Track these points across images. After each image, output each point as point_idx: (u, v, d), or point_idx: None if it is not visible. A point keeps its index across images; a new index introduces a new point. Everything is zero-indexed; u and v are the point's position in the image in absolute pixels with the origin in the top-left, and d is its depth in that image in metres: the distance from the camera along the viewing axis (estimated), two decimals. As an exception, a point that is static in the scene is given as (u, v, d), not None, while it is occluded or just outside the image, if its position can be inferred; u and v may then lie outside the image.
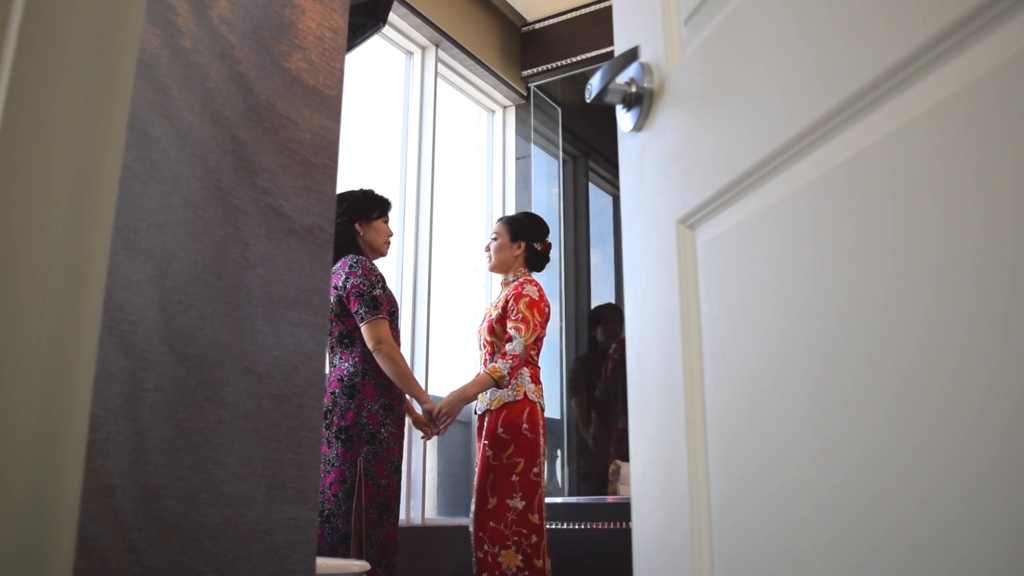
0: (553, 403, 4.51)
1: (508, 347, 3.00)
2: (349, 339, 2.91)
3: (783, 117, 0.68)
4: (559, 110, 4.84)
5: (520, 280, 3.16)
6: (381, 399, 2.85)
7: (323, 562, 2.16)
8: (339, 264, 2.96)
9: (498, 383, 2.97)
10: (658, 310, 0.86)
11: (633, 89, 0.93)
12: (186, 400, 1.04)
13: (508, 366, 2.97)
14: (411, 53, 4.24)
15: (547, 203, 4.76)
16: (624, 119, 0.96)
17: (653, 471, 0.85)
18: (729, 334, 0.75)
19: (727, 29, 0.79)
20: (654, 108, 0.91)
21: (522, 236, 3.25)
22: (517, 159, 4.76)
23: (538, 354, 3.22)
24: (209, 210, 1.11)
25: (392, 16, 3.94)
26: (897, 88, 0.57)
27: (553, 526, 4.06)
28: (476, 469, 3.08)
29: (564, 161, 4.84)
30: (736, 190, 0.75)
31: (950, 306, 0.50)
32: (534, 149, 4.76)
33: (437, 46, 4.24)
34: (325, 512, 2.75)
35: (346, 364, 2.88)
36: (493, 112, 4.87)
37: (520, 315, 3.04)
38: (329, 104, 1.33)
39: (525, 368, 3.11)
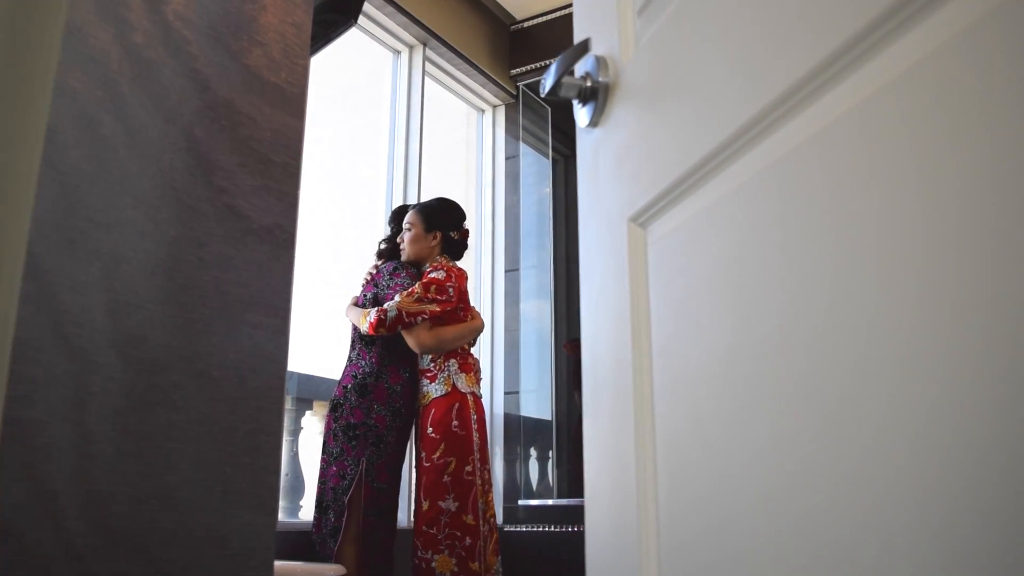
0: (544, 403, 4.48)
1: (386, 303, 2.89)
2: (370, 338, 2.94)
3: (725, 112, 0.66)
4: (549, 109, 4.82)
5: (434, 266, 3.04)
6: (391, 404, 2.87)
7: (294, 566, 2.14)
8: (384, 266, 3.07)
9: (360, 325, 2.88)
10: (610, 311, 0.84)
11: (588, 84, 0.90)
12: (135, 404, 1.02)
13: (373, 316, 2.84)
14: (398, 52, 4.22)
15: (538, 202, 4.74)
16: (580, 114, 0.94)
17: (604, 478, 0.82)
18: (675, 336, 0.72)
19: (677, 20, 0.76)
20: (609, 103, 0.89)
21: (437, 226, 3.10)
22: (507, 159, 4.73)
23: (470, 345, 3.09)
24: (161, 210, 1.08)
25: (378, 14, 3.91)
26: (833, 80, 0.55)
27: (541, 529, 4.04)
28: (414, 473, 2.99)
29: (555, 160, 4.82)
30: (683, 187, 0.73)
31: (886, 307, 0.48)
32: (524, 148, 4.74)
33: (425, 45, 4.22)
34: (324, 503, 2.76)
35: (363, 362, 2.91)
36: (483, 111, 4.85)
37: (410, 288, 2.92)
38: (292, 101, 1.30)
39: (453, 359, 2.98)
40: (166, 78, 1.12)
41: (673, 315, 0.73)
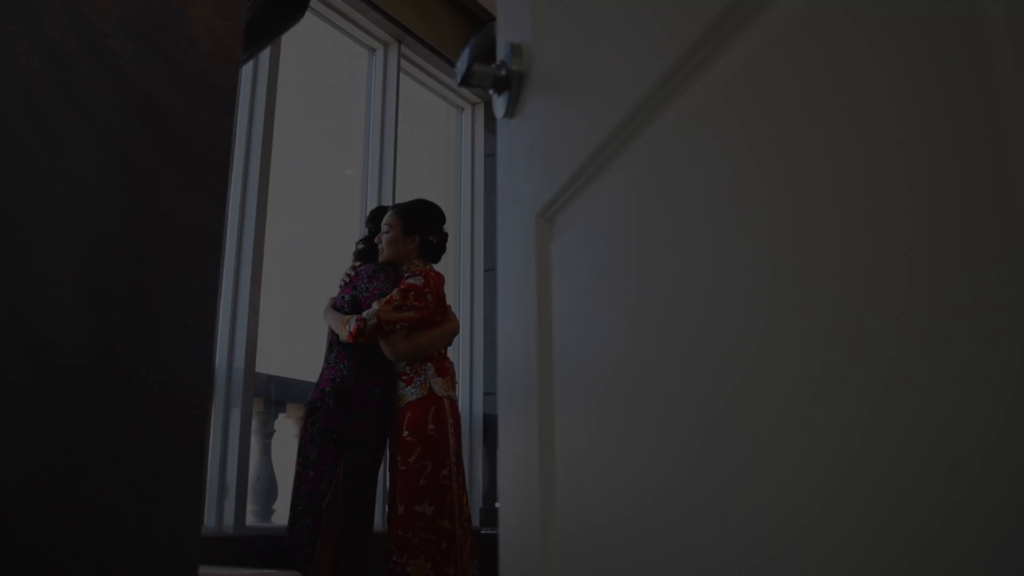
0: (525, 403, 4.43)
1: (365, 312, 2.86)
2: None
3: (618, 94, 0.62)
4: (528, 106, 4.76)
5: (412, 270, 3.02)
6: (370, 407, 2.84)
7: (247, 573, 2.10)
8: (363, 268, 3.03)
9: (339, 332, 2.86)
10: (521, 312, 0.80)
11: (503, 72, 0.86)
12: (43, 411, 0.97)
13: (352, 325, 2.82)
14: (373, 49, 4.17)
15: (518, 201, 4.69)
16: (497, 105, 0.90)
17: (514, 488, 0.78)
18: (574, 338, 0.69)
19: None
20: (523, 92, 0.85)
21: (416, 230, 3.07)
22: (486, 156, 4.68)
23: (445, 348, 3.06)
24: (74, 210, 1.04)
25: (351, 11, 3.87)
26: (708, 58, 0.51)
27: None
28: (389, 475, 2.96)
29: (535, 158, 4.76)
30: (582, 179, 0.69)
31: (772, 305, 0.44)
32: (503, 146, 4.69)
33: (400, 42, 4.17)
34: (299, 508, 2.72)
35: (342, 366, 2.87)
36: (461, 109, 4.80)
37: (388, 295, 2.89)
38: (221, 97, 1.26)
39: (430, 363, 2.95)
40: (81, 73, 1.08)
41: (573, 315, 0.69)
